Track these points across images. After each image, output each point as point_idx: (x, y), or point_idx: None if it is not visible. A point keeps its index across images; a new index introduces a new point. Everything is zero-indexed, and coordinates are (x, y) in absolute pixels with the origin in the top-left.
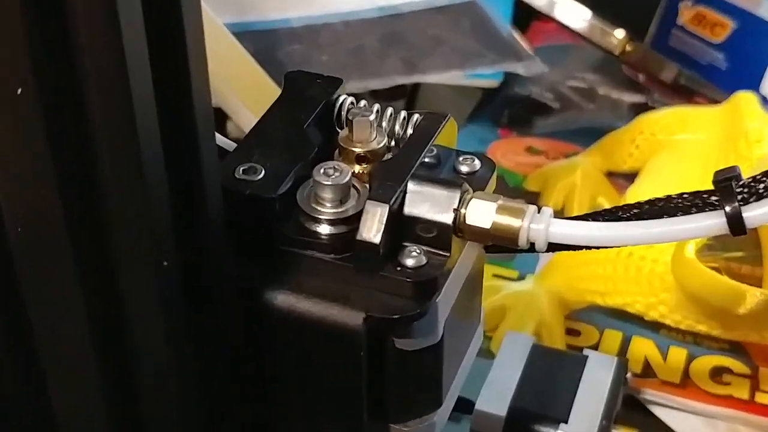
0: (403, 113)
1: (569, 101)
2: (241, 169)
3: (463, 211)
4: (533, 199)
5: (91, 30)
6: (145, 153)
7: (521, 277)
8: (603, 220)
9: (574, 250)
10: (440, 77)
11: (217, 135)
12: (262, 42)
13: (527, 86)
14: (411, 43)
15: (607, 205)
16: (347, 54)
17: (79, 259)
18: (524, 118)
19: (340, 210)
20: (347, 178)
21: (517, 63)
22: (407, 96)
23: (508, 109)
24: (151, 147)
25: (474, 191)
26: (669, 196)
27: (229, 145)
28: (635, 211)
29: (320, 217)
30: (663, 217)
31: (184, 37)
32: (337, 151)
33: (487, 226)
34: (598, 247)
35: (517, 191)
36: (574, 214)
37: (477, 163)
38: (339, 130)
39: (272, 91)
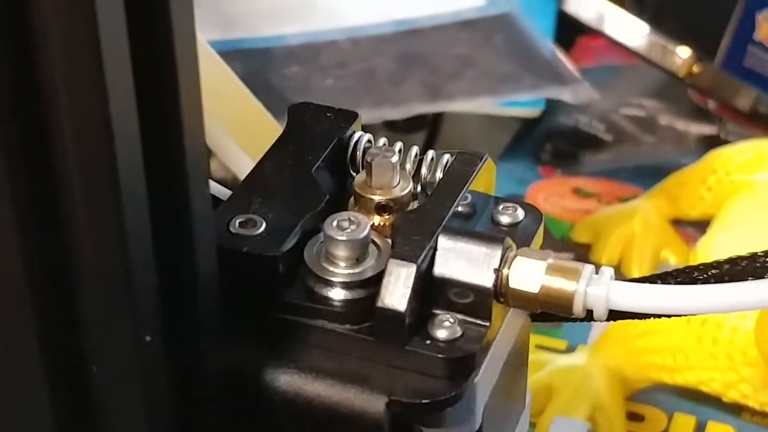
0: (431, 153)
1: (624, 133)
2: (238, 221)
3: (505, 271)
4: (583, 252)
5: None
6: (125, 192)
7: (571, 349)
8: (674, 282)
9: (639, 318)
10: (469, 105)
11: (210, 182)
12: (253, 63)
13: (573, 115)
14: (433, 64)
15: (673, 260)
16: (356, 78)
17: (44, 336)
18: (570, 154)
19: (356, 271)
20: (365, 232)
21: (561, 87)
22: (428, 128)
23: (550, 143)
24: (133, 195)
25: (518, 247)
26: (754, 255)
27: (222, 192)
28: (713, 271)
29: (333, 279)
30: (748, 279)
31: (173, 54)
32: (352, 199)
33: (535, 290)
34: (669, 316)
35: (563, 243)
36: (634, 272)
37: (520, 212)
38: (354, 174)
39: (266, 124)
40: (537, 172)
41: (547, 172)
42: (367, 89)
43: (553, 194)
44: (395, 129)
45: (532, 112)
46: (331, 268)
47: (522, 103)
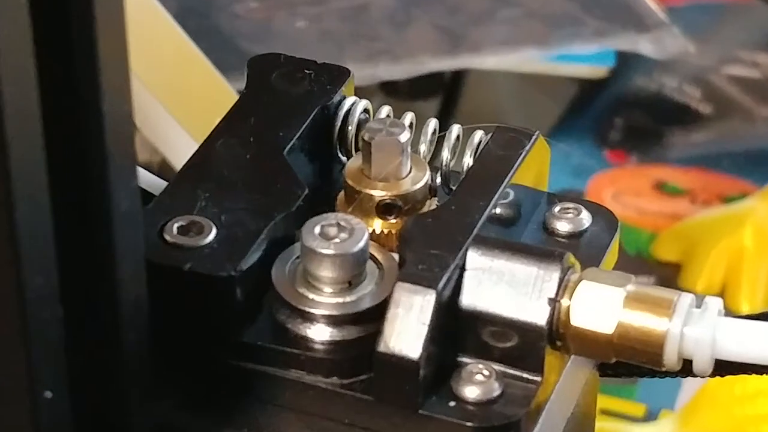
0: (457, 129)
1: (729, 103)
2: (176, 226)
3: (565, 302)
4: (669, 274)
5: None
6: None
7: (651, 416)
8: None
9: (756, 372)
10: (504, 60)
11: (141, 169)
12: None
13: (656, 76)
14: (453, 1)
15: None
16: (341, 18)
17: None
18: (651, 133)
19: (348, 299)
20: (361, 244)
21: (638, 35)
22: (444, 94)
23: (622, 116)
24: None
25: (583, 267)
26: None
27: (153, 184)
28: None
29: (314, 311)
30: None
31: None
32: (341, 194)
33: (609, 329)
34: None
35: (640, 261)
36: (743, 303)
37: (586, 215)
38: (345, 159)
39: (213, 85)
40: (602, 157)
41: (616, 158)
42: (356, 35)
43: (626, 190)
44: (396, 94)
45: (595, 70)
46: (312, 296)
47: (582, 57)
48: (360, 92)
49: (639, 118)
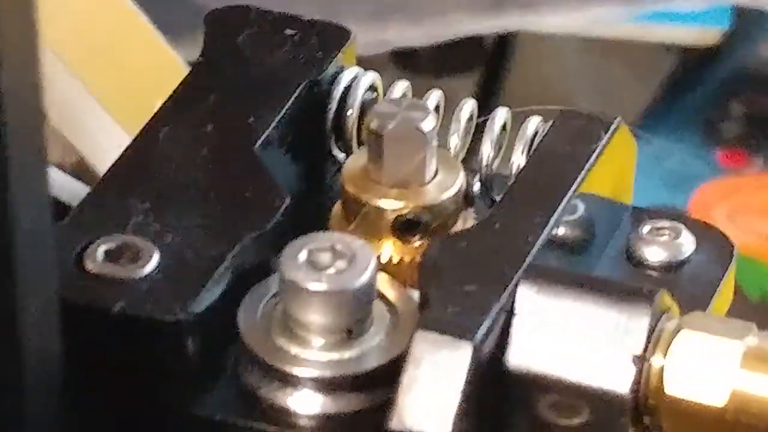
0: (503, 114)
1: None
2: (101, 249)
3: (657, 362)
4: None
5: None
6: None
7: None
8: None
9: None
10: (569, 20)
11: (54, 170)
12: None
13: None
14: None
15: None
16: None
17: None
18: None
19: (347, 356)
20: (366, 276)
21: None
22: (486, 66)
23: (741, 100)
24: None
25: (682, 312)
26: None
27: (71, 191)
28: None
29: (297, 372)
30: None
31: None
32: (338, 206)
33: (720, 400)
34: None
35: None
36: None
37: (686, 239)
38: (341, 156)
39: (152, 51)
40: (713, 159)
41: (733, 161)
42: None
43: (747, 207)
44: (415, 68)
45: (704, 35)
46: (295, 350)
47: (684, 17)
48: (365, 65)
49: (765, 104)
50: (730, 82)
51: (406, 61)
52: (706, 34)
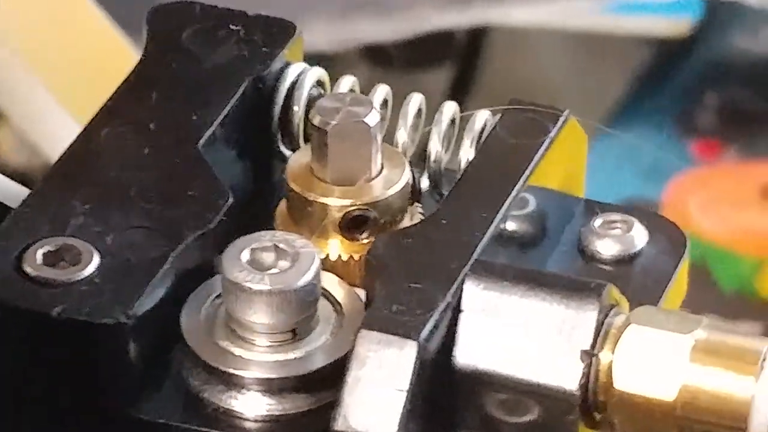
0: (450, 108)
1: None
2: (40, 252)
3: (606, 357)
4: None
5: None
6: None
7: None
8: None
9: None
10: (541, 13)
11: None
12: None
13: (762, 34)
14: None
15: None
16: None
17: None
18: (756, 115)
19: (291, 356)
20: (310, 275)
21: None
22: (457, 62)
23: (714, 91)
24: None
25: (633, 305)
26: None
27: (10, 193)
28: None
29: (242, 373)
30: None
31: None
32: (283, 203)
33: (670, 395)
34: None
35: (740, 301)
36: None
37: (638, 231)
38: (287, 152)
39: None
40: (686, 151)
41: (707, 153)
42: None
43: (721, 198)
44: (385, 64)
45: (676, 26)
46: (239, 351)
47: (656, 7)
48: (336, 61)
49: (738, 94)
50: (704, 73)
51: (376, 57)
52: (676, 25)
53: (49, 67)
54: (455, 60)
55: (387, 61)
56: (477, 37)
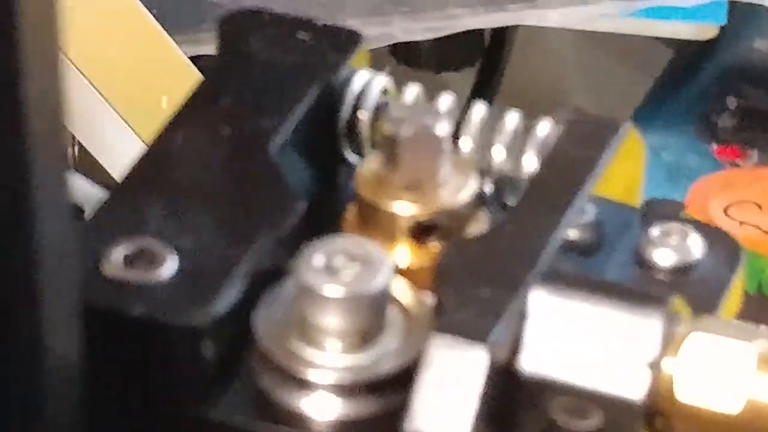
0: (515, 117)
1: None
2: (121, 255)
3: (668, 367)
4: None
5: None
6: None
7: None
8: None
9: None
10: (567, 14)
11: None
12: None
13: None
14: None
15: None
16: None
17: None
18: None
19: (362, 360)
20: (381, 280)
21: None
22: (483, 61)
23: (737, 94)
24: None
25: (695, 315)
26: None
27: (88, 195)
28: None
29: (313, 376)
30: None
31: None
32: (351, 209)
33: (734, 407)
34: None
35: (765, 303)
36: None
37: (695, 241)
38: (354, 159)
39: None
40: (709, 153)
41: (729, 155)
42: None
43: (744, 201)
44: (416, 62)
45: (700, 29)
46: (310, 354)
47: (681, 12)
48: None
49: (762, 98)
50: (725, 76)
51: (406, 55)
52: (703, 29)
53: (99, 69)
54: (481, 61)
55: (416, 59)
56: (505, 37)
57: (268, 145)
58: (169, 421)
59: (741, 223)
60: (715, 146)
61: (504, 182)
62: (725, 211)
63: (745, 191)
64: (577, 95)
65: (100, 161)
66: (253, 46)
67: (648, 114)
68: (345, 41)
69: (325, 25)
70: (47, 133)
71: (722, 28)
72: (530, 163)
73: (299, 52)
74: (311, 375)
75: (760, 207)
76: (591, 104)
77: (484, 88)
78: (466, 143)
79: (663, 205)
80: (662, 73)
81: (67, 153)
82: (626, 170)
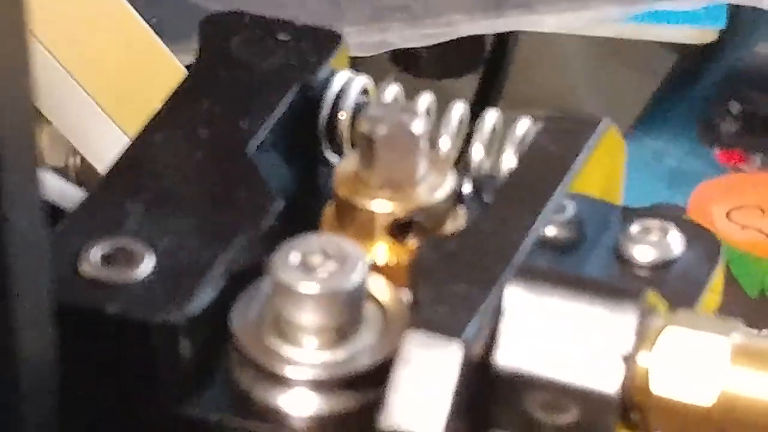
0: (493, 116)
1: None
2: (98, 253)
3: (643, 361)
4: None
5: None
6: None
7: None
8: None
9: None
10: (568, 20)
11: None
12: None
13: None
14: None
15: None
16: None
17: None
18: None
19: (338, 356)
20: (357, 277)
21: None
22: (485, 68)
23: (739, 98)
24: None
25: (671, 310)
26: None
27: (67, 195)
28: None
29: (290, 373)
30: None
31: None
32: (329, 208)
33: (707, 400)
34: None
35: (767, 306)
36: None
37: (674, 238)
38: (333, 159)
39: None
40: (711, 158)
41: (732, 160)
42: None
43: (746, 206)
44: (415, 70)
45: (701, 34)
46: (287, 351)
47: (682, 16)
48: (366, 67)
49: (765, 102)
50: (728, 80)
51: (406, 62)
52: (704, 33)
53: (89, 71)
54: (483, 67)
55: (416, 66)
56: (506, 43)
57: (247, 145)
58: (147, 419)
59: (744, 227)
60: (717, 150)
61: (483, 180)
62: (728, 215)
63: (747, 196)
64: (579, 100)
65: (95, 166)
66: (234, 47)
67: (650, 118)
68: (325, 42)
69: (305, 27)
70: (17, 132)
71: (725, 32)
72: (509, 161)
73: (280, 53)
74: (288, 371)
75: (762, 211)
76: (594, 109)
77: (487, 95)
78: (444, 142)
79: (665, 209)
80: (665, 78)
81: (37, 153)
82: (606, 167)
